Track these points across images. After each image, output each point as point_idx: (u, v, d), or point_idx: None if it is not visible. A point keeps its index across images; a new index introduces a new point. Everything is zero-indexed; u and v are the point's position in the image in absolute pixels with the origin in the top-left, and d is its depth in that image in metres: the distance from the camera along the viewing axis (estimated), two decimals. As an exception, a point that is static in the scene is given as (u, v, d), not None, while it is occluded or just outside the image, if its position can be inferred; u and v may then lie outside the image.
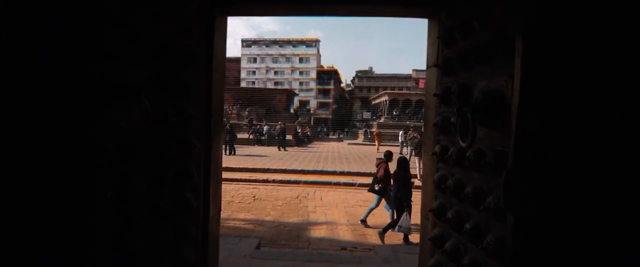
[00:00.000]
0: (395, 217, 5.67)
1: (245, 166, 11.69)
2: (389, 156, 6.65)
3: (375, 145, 18.67)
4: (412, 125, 26.29)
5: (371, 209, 6.35)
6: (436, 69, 1.54)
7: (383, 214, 6.36)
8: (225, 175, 10.58)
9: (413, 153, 12.45)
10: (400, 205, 5.48)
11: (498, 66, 1.30)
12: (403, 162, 5.78)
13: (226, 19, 1.80)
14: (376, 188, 6.19)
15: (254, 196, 8.32)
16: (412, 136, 17.51)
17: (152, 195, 1.51)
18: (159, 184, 1.52)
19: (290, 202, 7.81)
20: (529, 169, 1.11)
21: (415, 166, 10.79)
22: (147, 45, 1.40)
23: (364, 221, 6.25)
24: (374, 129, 21.18)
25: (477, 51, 1.34)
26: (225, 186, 9.41)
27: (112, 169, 1.31)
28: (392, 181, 5.88)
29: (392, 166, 6.19)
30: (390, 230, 5.50)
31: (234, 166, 11.63)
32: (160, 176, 1.52)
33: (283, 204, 7.72)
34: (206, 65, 1.66)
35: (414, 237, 5.30)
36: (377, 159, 6.71)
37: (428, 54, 1.63)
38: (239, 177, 10.21)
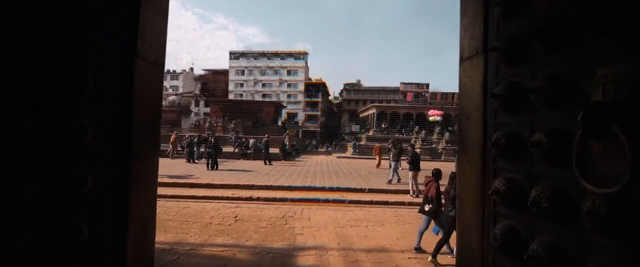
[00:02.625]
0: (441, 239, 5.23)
1: (227, 183, 10.94)
2: (438, 174, 6.09)
3: (375, 159, 18.00)
4: (391, 138, 26.04)
5: (422, 233, 5.68)
6: (484, 56, 1.00)
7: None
8: (205, 193, 9.88)
9: (398, 166, 12.03)
10: (453, 226, 4.92)
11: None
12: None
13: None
14: (426, 209, 5.57)
15: (236, 217, 7.59)
16: (389, 147, 17.24)
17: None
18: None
19: (275, 224, 7.12)
20: None
21: (408, 182, 10.26)
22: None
23: (418, 249, 5.59)
24: (375, 144, 20.42)
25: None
26: (204, 205, 8.70)
27: None
28: (443, 200, 5.39)
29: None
30: (448, 256, 5.15)
31: (216, 183, 10.89)
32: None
33: (267, 225, 7.02)
34: (124, 49, 1.02)
35: None
36: (426, 177, 6.16)
37: (466, 38, 1.09)
38: (220, 195, 9.46)
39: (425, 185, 5.83)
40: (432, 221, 5.63)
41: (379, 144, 19.89)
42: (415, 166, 10.22)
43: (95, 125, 0.94)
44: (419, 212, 5.95)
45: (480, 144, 1.02)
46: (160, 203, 8.73)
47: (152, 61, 1.09)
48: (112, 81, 0.97)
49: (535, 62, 0.88)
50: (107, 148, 0.98)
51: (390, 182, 11.72)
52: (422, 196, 9.82)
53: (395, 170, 12.14)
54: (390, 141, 15.17)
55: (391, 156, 12.81)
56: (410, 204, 9.26)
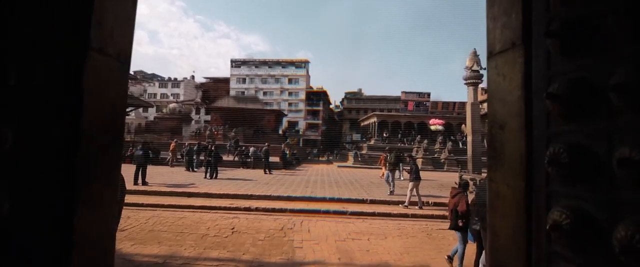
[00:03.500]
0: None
1: (226, 192, 10.67)
2: (467, 186, 5.73)
3: (381, 170, 17.51)
4: (387, 147, 25.70)
5: (462, 256, 5.08)
6: (523, 48, 0.77)
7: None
8: (203, 202, 9.61)
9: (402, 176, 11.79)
10: (480, 242, 4.51)
11: None
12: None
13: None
14: (461, 225, 5.04)
15: (233, 228, 7.32)
16: (383, 158, 16.90)
17: None
18: None
19: (273, 236, 6.84)
20: None
21: (407, 193, 9.96)
22: None
23: None
24: (381, 154, 19.81)
25: None
26: (201, 215, 8.42)
27: None
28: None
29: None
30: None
31: (214, 192, 10.63)
32: None
33: (265, 237, 6.74)
34: (70, 38, 0.77)
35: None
36: (452, 188, 5.75)
37: (497, 29, 0.85)
38: (218, 205, 9.19)
39: (453, 197, 5.28)
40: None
41: (385, 154, 19.45)
42: (416, 176, 9.97)
43: (23, 136, 0.71)
44: (450, 228, 5.37)
45: (521, 159, 0.79)
46: (156, 213, 8.47)
47: (114, 55, 0.85)
48: (52, 79, 0.74)
49: (612, 50, 0.66)
50: (41, 166, 0.75)
51: (392, 193, 11.43)
52: (417, 206, 9.62)
53: (391, 179, 11.85)
54: (386, 149, 14.83)
55: (387, 165, 12.53)
56: (414, 216, 8.98)
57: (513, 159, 0.88)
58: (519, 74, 0.86)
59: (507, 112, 0.94)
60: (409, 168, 10.75)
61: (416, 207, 9.68)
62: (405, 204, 9.74)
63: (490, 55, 0.99)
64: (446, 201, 10.56)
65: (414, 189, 9.78)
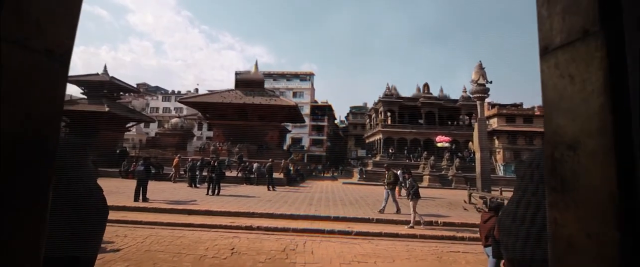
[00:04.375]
0: None
1: (227, 210, 10.36)
2: (498, 208, 5.35)
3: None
4: (385, 164, 25.08)
5: None
6: (604, 37, 0.57)
7: None
8: (203, 220, 9.29)
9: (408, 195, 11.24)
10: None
11: None
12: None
13: None
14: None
15: (233, 249, 6.98)
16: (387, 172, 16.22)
17: None
18: None
19: (275, 258, 6.48)
20: None
21: (410, 212, 9.55)
22: None
23: None
24: (399, 172, 18.67)
25: None
26: (200, 235, 8.09)
27: None
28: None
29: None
30: None
31: (215, 209, 10.32)
32: None
33: (266, 259, 6.39)
34: None
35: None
36: (483, 212, 5.34)
37: (555, 16, 0.64)
38: (218, 223, 8.87)
39: (485, 222, 4.88)
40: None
41: (399, 170, 18.46)
42: (415, 195, 9.62)
43: None
44: (494, 257, 4.96)
45: (611, 197, 0.53)
46: (154, 232, 8.17)
47: (42, 50, 0.63)
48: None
49: None
50: None
51: (398, 211, 11.02)
52: (423, 225, 9.17)
53: (390, 198, 11.36)
54: (384, 166, 14.22)
55: (385, 183, 12.01)
56: (423, 237, 8.56)
57: (595, 196, 0.61)
58: (598, 73, 0.61)
59: (579, 128, 0.67)
60: (407, 187, 10.28)
61: (420, 226, 9.26)
62: (411, 225, 9.34)
63: (546, 51, 0.75)
64: (456, 220, 10.16)
65: (412, 207, 9.43)
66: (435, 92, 39.78)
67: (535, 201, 2.35)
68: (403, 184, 13.70)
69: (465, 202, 15.16)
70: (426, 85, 39.35)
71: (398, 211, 10.96)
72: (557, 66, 0.70)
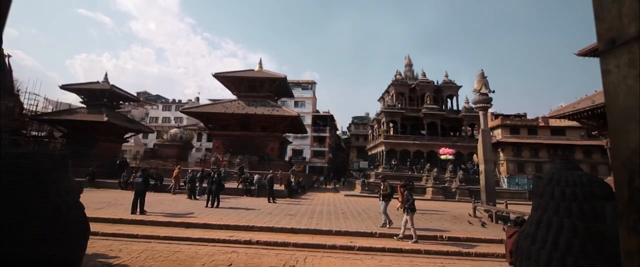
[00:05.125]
0: None
1: (226, 223, 10.09)
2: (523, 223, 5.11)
3: (398, 202, 15.87)
4: (381, 175, 24.72)
5: None
6: None
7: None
8: (201, 234, 9.04)
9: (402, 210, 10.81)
10: None
11: None
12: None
13: None
14: None
15: (230, 264, 6.72)
16: (400, 188, 15.65)
17: None
18: None
19: (273, 275, 6.21)
20: None
21: (406, 225, 9.23)
22: None
23: None
24: (397, 183, 17.77)
25: None
26: (197, 249, 7.81)
27: None
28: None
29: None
30: None
31: (213, 223, 10.06)
32: None
33: (265, 276, 6.12)
34: None
35: None
36: (508, 227, 5.12)
37: (624, 3, 0.54)
38: (216, 237, 8.60)
39: (510, 237, 4.58)
40: None
41: (402, 182, 17.79)
42: (411, 208, 9.33)
43: None
44: None
45: None
46: (150, 246, 7.92)
47: None
48: None
49: None
50: None
51: (384, 225, 10.65)
52: (412, 241, 8.84)
53: (385, 212, 10.94)
54: (379, 177, 13.63)
55: (380, 195, 11.44)
56: (427, 252, 8.26)
57: None
58: None
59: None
60: (403, 199, 9.89)
61: (410, 241, 8.94)
62: (400, 236, 9.05)
63: (613, 45, 0.57)
64: (461, 235, 9.84)
65: (409, 222, 9.10)
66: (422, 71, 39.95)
67: (557, 222, 2.07)
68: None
69: (470, 215, 14.81)
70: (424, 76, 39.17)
71: (390, 224, 10.62)
72: (633, 63, 0.53)
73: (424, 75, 39.67)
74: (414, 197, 10.16)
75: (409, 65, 44.80)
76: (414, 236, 8.98)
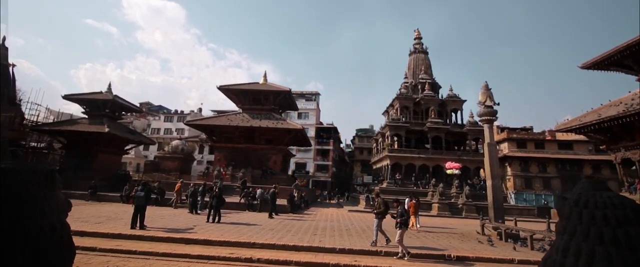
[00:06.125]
0: None
1: (227, 239, 9.82)
2: None
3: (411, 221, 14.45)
4: (375, 188, 24.40)
5: None
6: None
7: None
8: (200, 251, 8.76)
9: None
10: None
11: None
12: None
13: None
14: None
15: (229, 284, 6.45)
16: (412, 205, 15.25)
17: None
18: None
19: (274, 296, 5.93)
20: None
21: (398, 245, 8.94)
22: None
23: None
24: (408, 199, 16.72)
25: None
26: (196, 267, 7.58)
27: None
28: None
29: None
30: None
31: (213, 239, 9.80)
32: None
33: (265, 298, 5.84)
34: None
35: None
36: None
37: None
38: (216, 254, 8.33)
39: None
40: None
41: (414, 201, 16.26)
42: (404, 224, 9.14)
43: None
44: None
45: None
46: (148, 263, 7.67)
47: None
48: None
49: None
50: None
51: (374, 243, 10.17)
52: (407, 258, 8.51)
53: (379, 228, 10.36)
54: (374, 191, 13.06)
55: (375, 212, 10.84)
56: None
57: None
58: None
59: None
60: (397, 215, 9.55)
61: (405, 259, 8.64)
62: (407, 256, 8.74)
63: None
64: (470, 254, 9.47)
65: (398, 236, 8.92)
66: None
67: (587, 249, 1.75)
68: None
69: (478, 233, 14.37)
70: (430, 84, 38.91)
71: (387, 242, 10.18)
72: None
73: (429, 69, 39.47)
74: (420, 213, 9.84)
75: (419, 38, 43.72)
76: (400, 252, 8.79)
